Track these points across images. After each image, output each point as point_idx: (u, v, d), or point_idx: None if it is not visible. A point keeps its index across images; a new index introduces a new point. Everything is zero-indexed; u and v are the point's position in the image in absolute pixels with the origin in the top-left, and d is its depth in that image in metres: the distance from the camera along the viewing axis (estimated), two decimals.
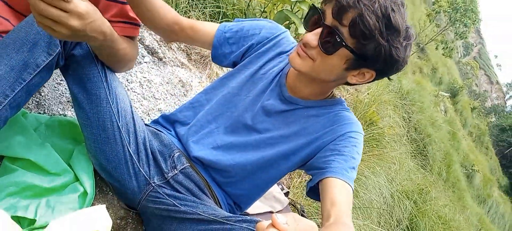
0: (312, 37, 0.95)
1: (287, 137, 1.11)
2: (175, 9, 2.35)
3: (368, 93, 3.79)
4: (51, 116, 1.27)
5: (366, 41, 0.91)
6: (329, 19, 0.93)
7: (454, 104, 13.89)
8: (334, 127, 1.07)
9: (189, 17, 2.38)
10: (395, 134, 3.82)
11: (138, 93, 1.68)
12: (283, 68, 1.14)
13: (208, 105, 1.18)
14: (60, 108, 1.35)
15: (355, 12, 0.89)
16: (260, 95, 1.14)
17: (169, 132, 1.22)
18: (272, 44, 1.16)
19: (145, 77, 1.78)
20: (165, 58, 1.98)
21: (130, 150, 1.10)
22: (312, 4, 1.01)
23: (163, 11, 1.08)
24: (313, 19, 0.98)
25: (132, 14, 1.13)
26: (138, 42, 1.21)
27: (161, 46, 2.01)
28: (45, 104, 1.31)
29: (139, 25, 1.17)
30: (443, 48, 9.42)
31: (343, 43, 0.92)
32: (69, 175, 1.13)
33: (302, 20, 1.00)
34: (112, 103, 1.06)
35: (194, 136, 1.17)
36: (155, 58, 1.94)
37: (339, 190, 0.95)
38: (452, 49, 9.56)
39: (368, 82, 1.04)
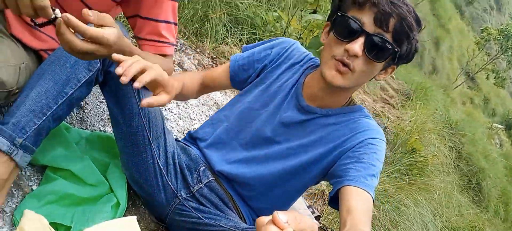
0: (357, 47, 0.93)
1: (307, 146, 1.10)
2: (214, 37, 2.45)
3: (410, 121, 3.67)
4: (92, 131, 1.35)
5: (405, 40, 0.95)
6: (370, 27, 0.93)
7: (510, 137, 13.02)
8: (353, 134, 1.06)
9: (226, 44, 2.46)
10: (440, 164, 3.63)
11: (174, 114, 1.75)
12: (298, 79, 1.15)
13: (227, 121, 1.21)
14: (101, 124, 1.43)
15: (397, 17, 0.92)
16: (278, 108, 1.15)
17: (195, 147, 1.26)
18: (284, 57, 1.18)
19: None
20: None
21: (159, 163, 1.14)
22: (340, 13, 0.99)
23: (192, 87, 1.19)
24: (349, 29, 0.95)
25: (165, 32, 1.19)
26: (172, 60, 1.26)
27: (199, 70, 2.10)
28: (87, 120, 1.40)
29: (173, 44, 1.24)
30: (494, 78, 8.99)
31: (395, 49, 0.95)
32: (105, 186, 1.19)
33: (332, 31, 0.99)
34: (144, 118, 1.11)
35: (216, 151, 1.19)
36: None
37: (356, 198, 0.94)
38: (504, 79, 9.09)
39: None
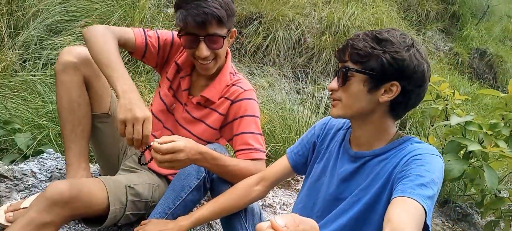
0: (333, 83, 1.18)
1: (366, 188, 1.15)
2: None
3: None
4: None
5: (365, 59, 1.10)
6: (340, 65, 1.17)
7: None
8: (400, 159, 1.11)
9: None
10: None
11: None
12: (344, 137, 1.29)
13: (301, 203, 1.35)
14: None
15: (350, 48, 1.13)
16: (334, 168, 1.26)
17: None
18: (327, 128, 1.38)
19: (281, 200, 2.25)
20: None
21: None
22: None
23: (241, 200, 1.40)
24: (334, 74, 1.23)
25: (252, 141, 1.54)
26: (262, 163, 1.55)
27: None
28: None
29: (260, 151, 1.56)
30: None
31: (349, 69, 1.13)
32: None
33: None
34: (241, 213, 1.42)
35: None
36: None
37: (398, 206, 0.95)
38: None
39: (403, 99, 1.13)
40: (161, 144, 1.25)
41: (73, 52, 1.50)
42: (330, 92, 1.21)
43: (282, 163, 1.44)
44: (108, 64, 1.36)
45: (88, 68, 1.53)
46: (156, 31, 1.66)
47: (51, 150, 1.96)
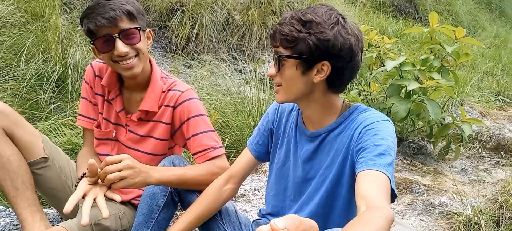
0: (271, 69, 1.18)
1: (330, 165, 1.20)
2: None
3: None
4: None
5: (293, 43, 1.10)
6: (273, 50, 1.17)
7: None
8: (353, 131, 1.15)
9: None
10: None
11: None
12: (297, 118, 1.31)
13: (272, 190, 1.38)
14: None
15: (278, 33, 1.13)
16: (295, 151, 1.29)
17: (268, 221, 1.43)
18: (280, 113, 1.39)
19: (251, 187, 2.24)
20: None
21: None
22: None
23: (214, 204, 1.37)
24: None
25: (206, 141, 1.50)
26: (220, 160, 1.51)
27: None
28: None
29: (217, 147, 1.51)
30: None
31: (280, 55, 1.13)
32: None
33: None
34: (216, 216, 1.38)
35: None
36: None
37: (367, 180, 0.99)
38: None
39: (337, 76, 1.14)
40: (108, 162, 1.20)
41: None
42: (271, 79, 1.20)
43: (246, 156, 1.44)
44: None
45: (3, 120, 1.43)
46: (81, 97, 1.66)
47: (1, 207, 1.84)
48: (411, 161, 3.11)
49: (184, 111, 1.51)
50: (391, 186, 1.01)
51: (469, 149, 3.35)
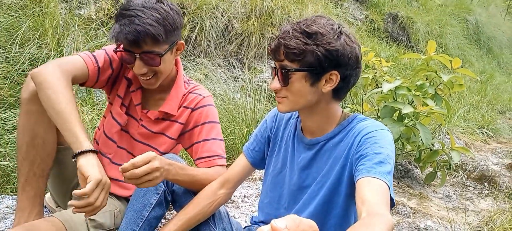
0: (275, 83, 1.17)
1: (328, 173, 1.21)
2: None
3: None
4: None
5: (301, 56, 1.11)
6: (276, 64, 1.17)
7: None
8: (353, 139, 1.16)
9: None
10: None
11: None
12: (295, 126, 1.32)
13: (267, 197, 1.38)
14: None
15: (283, 47, 1.12)
16: (292, 159, 1.29)
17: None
18: (278, 120, 1.39)
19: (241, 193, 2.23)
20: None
21: None
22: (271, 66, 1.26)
23: (208, 208, 1.35)
24: (272, 73, 1.21)
25: (215, 148, 1.51)
26: (223, 168, 1.52)
27: None
28: None
29: (223, 157, 1.52)
30: None
31: (289, 70, 1.13)
32: None
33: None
34: (209, 220, 1.37)
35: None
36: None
37: (368, 187, 1.00)
38: None
39: (344, 84, 1.17)
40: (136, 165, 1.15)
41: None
42: (274, 92, 1.21)
43: (241, 162, 1.43)
44: (66, 127, 1.24)
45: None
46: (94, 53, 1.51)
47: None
48: (398, 183, 3.14)
49: (202, 115, 1.53)
50: (390, 194, 1.03)
51: (454, 177, 3.41)
